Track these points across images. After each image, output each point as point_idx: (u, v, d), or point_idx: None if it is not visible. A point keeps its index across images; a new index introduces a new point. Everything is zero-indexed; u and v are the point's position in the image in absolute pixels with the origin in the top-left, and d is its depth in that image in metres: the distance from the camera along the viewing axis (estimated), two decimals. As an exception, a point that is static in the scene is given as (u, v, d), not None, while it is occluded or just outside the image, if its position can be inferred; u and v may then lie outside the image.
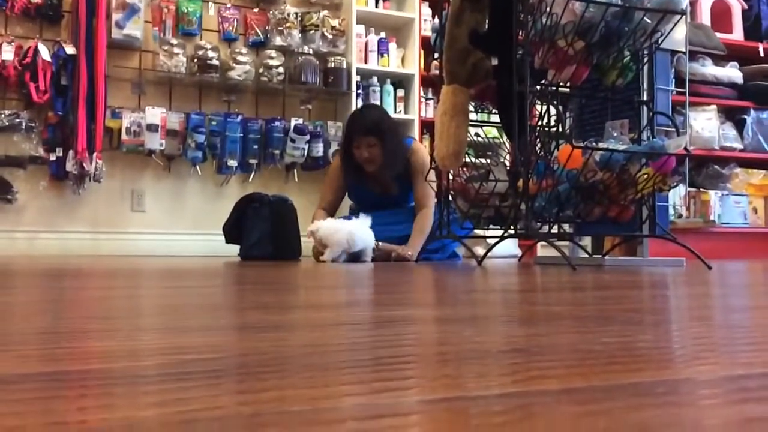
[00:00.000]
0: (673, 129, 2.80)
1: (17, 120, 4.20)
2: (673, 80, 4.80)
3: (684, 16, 2.60)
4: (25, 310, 0.93)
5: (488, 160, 3.15)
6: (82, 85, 4.19)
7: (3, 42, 4.16)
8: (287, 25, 4.73)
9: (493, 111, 3.02)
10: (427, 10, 5.18)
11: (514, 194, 2.74)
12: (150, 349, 0.59)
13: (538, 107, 2.91)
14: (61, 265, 2.49)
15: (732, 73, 5.52)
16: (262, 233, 3.55)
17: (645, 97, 2.85)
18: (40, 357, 0.54)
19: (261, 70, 4.67)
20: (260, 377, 0.45)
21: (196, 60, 4.51)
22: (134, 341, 0.63)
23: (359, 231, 3.05)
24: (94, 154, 4.20)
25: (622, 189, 2.57)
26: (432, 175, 3.14)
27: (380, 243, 3.36)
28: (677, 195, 5.07)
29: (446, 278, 1.87)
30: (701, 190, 5.33)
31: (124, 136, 4.35)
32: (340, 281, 1.69)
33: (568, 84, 2.72)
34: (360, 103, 4.83)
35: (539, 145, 2.85)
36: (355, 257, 3.09)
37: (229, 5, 4.78)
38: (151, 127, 4.36)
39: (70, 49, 4.23)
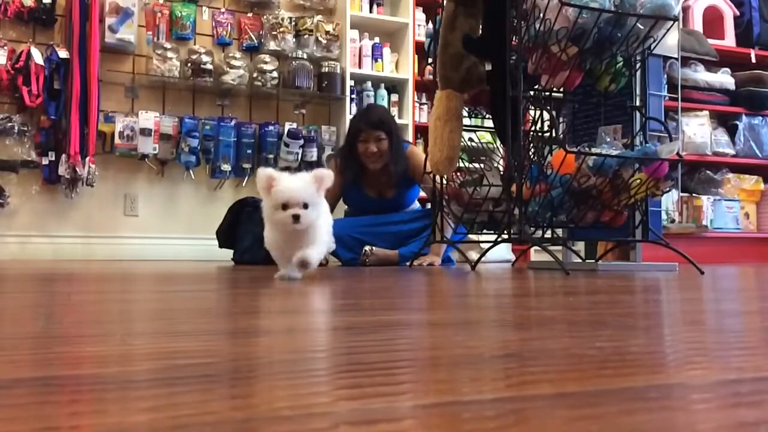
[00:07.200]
0: (666, 134, 2.81)
1: (10, 124, 4.19)
2: (666, 86, 4.84)
3: (676, 22, 2.61)
4: (17, 315, 0.93)
5: (482, 165, 3.15)
6: (75, 89, 4.18)
7: (-4, 46, 4.16)
8: (281, 29, 4.74)
9: (487, 116, 3.03)
10: (420, 16, 5.19)
11: (507, 199, 2.74)
12: (142, 354, 0.59)
13: (532, 112, 2.91)
14: (53, 270, 2.48)
15: (724, 79, 5.55)
16: (256, 238, 3.53)
17: (638, 103, 2.86)
18: (32, 362, 0.54)
19: (255, 75, 4.67)
20: (252, 382, 0.45)
21: (189, 64, 4.51)
22: (126, 346, 0.62)
23: None
24: (87, 159, 4.19)
25: (615, 194, 2.57)
26: (426, 180, 3.14)
27: (373, 248, 3.37)
28: (670, 200, 5.09)
29: (440, 283, 1.87)
30: (694, 195, 5.35)
31: (117, 140, 4.34)
32: (333, 286, 1.68)
33: (561, 89, 2.73)
34: (354, 108, 4.83)
35: (532, 150, 2.86)
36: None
37: (223, 10, 4.78)
38: (145, 132, 4.36)
39: (63, 53, 4.22)
